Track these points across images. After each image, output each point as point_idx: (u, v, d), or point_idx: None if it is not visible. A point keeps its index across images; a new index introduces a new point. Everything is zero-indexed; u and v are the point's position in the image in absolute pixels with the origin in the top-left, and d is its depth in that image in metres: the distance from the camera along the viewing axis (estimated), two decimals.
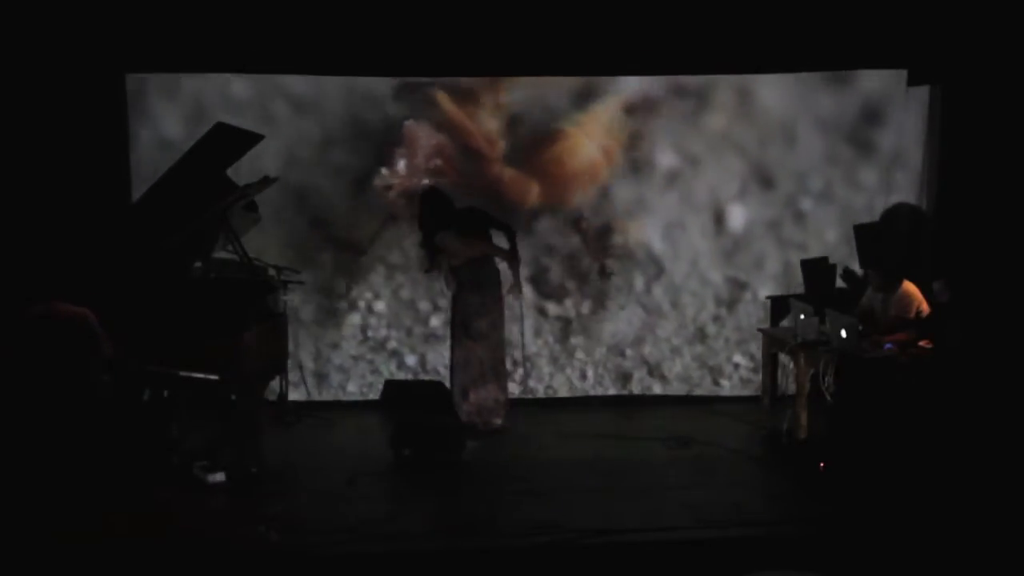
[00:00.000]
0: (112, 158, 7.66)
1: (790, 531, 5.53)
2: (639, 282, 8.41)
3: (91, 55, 7.37)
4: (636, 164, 8.26)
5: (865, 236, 8.12)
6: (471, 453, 6.84)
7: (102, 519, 5.57)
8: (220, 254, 7.08)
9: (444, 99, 8.06)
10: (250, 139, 6.73)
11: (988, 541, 5.26)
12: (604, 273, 8.33)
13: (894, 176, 8.31)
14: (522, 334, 7.72)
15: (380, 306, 8.25)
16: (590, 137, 8.19)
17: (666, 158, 8.29)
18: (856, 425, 6.41)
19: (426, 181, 7.96)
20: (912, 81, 8.15)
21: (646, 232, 8.34)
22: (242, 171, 7.05)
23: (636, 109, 8.17)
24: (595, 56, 7.77)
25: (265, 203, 7.59)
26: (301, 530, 5.46)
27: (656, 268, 8.40)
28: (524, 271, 7.70)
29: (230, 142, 6.60)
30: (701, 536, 5.42)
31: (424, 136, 8.08)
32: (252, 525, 5.54)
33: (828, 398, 6.68)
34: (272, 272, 7.67)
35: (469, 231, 7.28)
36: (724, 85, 8.19)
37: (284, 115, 7.95)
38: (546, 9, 7.54)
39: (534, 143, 8.17)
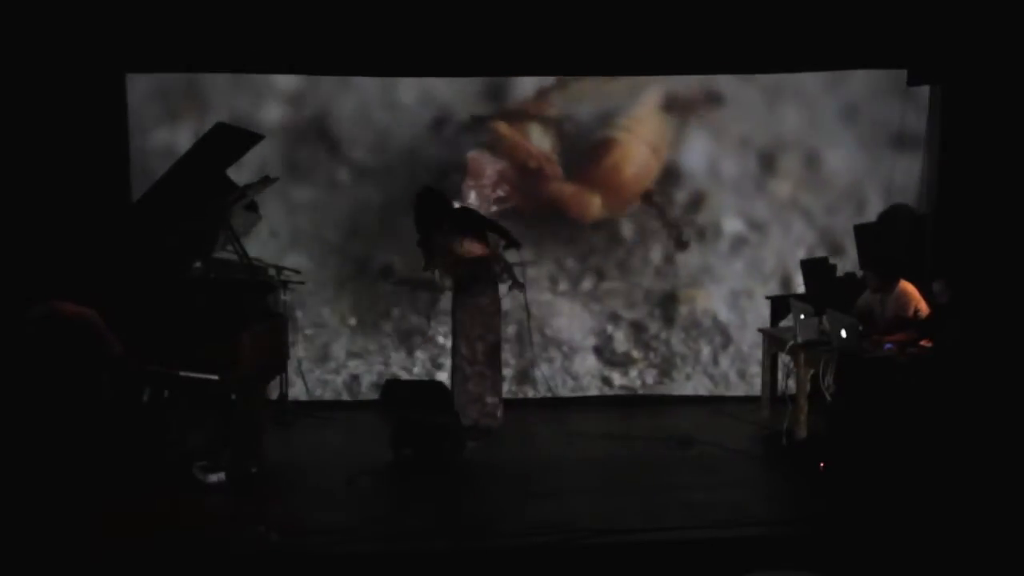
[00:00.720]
0: (112, 158, 7.65)
1: (790, 531, 5.52)
2: (705, 351, 8.44)
3: (91, 55, 7.36)
4: (701, 232, 8.33)
5: (865, 236, 8.13)
6: (471, 453, 6.84)
7: (102, 519, 5.57)
8: (220, 254, 7.08)
9: (502, 125, 8.13)
10: (250, 139, 6.72)
11: (988, 541, 5.26)
12: (681, 243, 8.32)
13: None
14: (528, 330, 7.73)
15: None
16: (639, 140, 8.23)
17: (731, 224, 8.37)
18: (856, 425, 6.41)
19: (494, 208, 8.07)
20: (912, 81, 8.15)
21: (712, 300, 8.38)
22: None
23: (673, 107, 8.24)
24: (600, 56, 7.77)
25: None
26: (301, 530, 5.46)
27: (723, 337, 8.42)
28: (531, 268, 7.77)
29: (230, 142, 6.60)
30: (701, 536, 5.41)
31: (487, 164, 8.15)
32: (252, 525, 5.54)
33: (828, 398, 6.68)
34: (272, 272, 7.67)
35: (465, 231, 7.29)
36: (791, 150, 8.28)
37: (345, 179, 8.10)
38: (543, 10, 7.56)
39: (588, 155, 8.24)
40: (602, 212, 8.31)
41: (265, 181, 6.99)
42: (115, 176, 7.67)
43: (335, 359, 8.29)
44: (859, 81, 8.26)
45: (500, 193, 8.21)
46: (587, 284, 8.41)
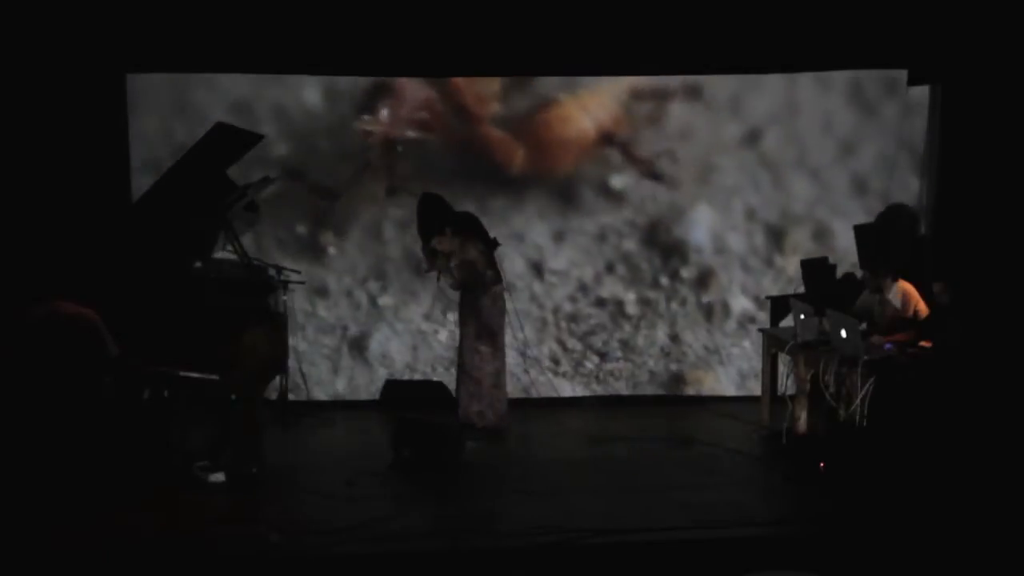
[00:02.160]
0: (112, 158, 7.65)
1: (790, 531, 5.53)
2: None
3: (91, 55, 7.36)
4: (710, 310, 8.34)
5: (865, 236, 8.13)
6: (471, 453, 6.85)
7: (102, 519, 5.57)
8: (220, 254, 7.08)
9: None
10: (250, 139, 6.73)
11: (988, 541, 5.26)
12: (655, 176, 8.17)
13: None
14: (521, 328, 7.73)
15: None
16: (585, 110, 8.14)
17: (739, 303, 8.41)
18: (858, 424, 6.41)
19: (409, 133, 7.94)
20: (912, 81, 8.15)
21: (720, 383, 8.41)
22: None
23: (643, 97, 8.14)
24: (594, 53, 7.76)
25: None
26: (301, 530, 5.46)
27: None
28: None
29: (230, 142, 6.60)
30: (701, 536, 5.42)
31: (412, 89, 8.03)
32: (252, 525, 5.54)
33: (828, 398, 6.68)
34: (272, 272, 7.67)
35: (467, 234, 7.33)
36: (801, 226, 8.30)
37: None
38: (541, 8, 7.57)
39: (527, 108, 8.13)
40: (524, 166, 8.18)
41: (265, 181, 6.99)
42: (115, 176, 7.67)
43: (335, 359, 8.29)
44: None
45: (421, 116, 8.04)
46: (589, 365, 8.41)
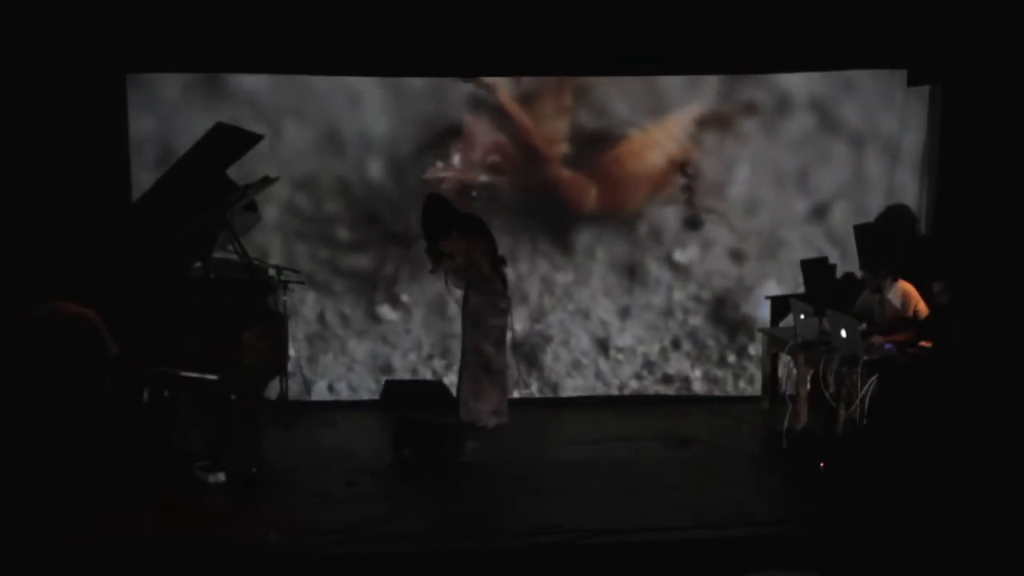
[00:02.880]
0: (112, 158, 7.65)
1: (790, 531, 5.53)
2: None
3: (91, 55, 7.36)
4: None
5: (865, 237, 8.13)
6: (471, 453, 6.85)
7: (102, 519, 5.57)
8: (220, 254, 7.08)
9: (505, 98, 8.06)
10: (250, 139, 6.72)
11: (988, 541, 5.26)
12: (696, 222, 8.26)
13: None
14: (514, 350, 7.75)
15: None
16: (653, 141, 8.17)
17: None
18: (858, 424, 6.41)
19: (483, 177, 7.97)
20: (912, 81, 8.15)
21: None
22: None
23: (708, 121, 8.17)
24: (598, 55, 7.77)
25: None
26: (301, 530, 5.46)
27: None
28: None
29: (230, 142, 6.60)
30: (701, 536, 5.42)
31: (482, 132, 8.06)
32: (252, 525, 5.54)
33: (828, 398, 6.68)
34: (272, 272, 7.68)
35: (472, 236, 7.34)
36: None
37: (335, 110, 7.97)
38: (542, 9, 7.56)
39: (596, 146, 8.17)
40: (597, 205, 8.22)
41: (265, 181, 6.99)
42: (115, 176, 7.67)
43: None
44: None
45: (493, 159, 8.08)
46: None
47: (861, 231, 8.18)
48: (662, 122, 8.17)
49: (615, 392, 8.41)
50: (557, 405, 8.27)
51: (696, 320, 8.39)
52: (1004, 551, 5.17)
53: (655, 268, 8.31)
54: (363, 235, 8.10)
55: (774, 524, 5.63)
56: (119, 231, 6.75)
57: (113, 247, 6.52)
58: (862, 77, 8.20)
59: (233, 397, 6.22)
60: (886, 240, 8.04)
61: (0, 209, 7.24)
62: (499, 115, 8.06)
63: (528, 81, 8.05)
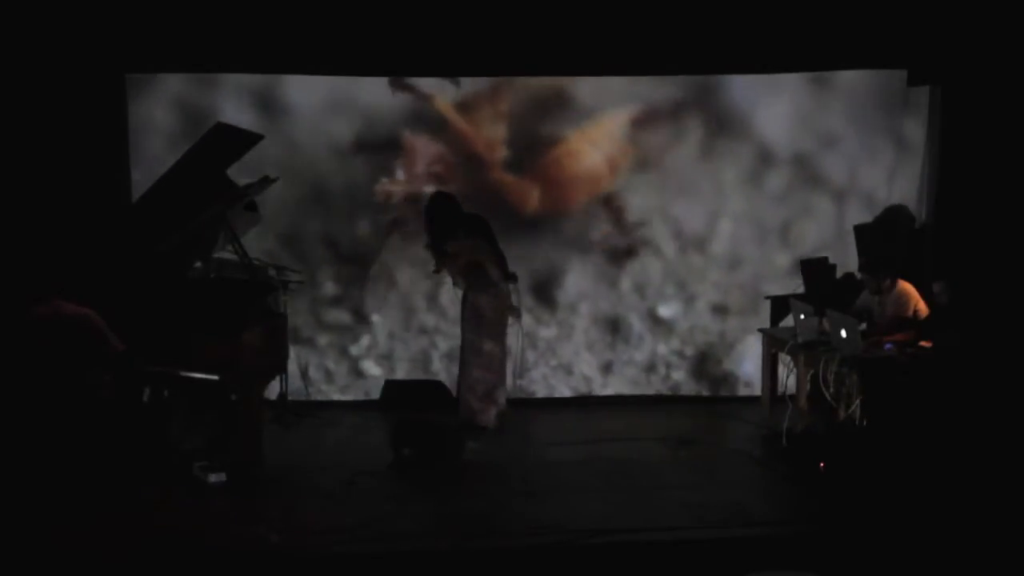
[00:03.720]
0: (112, 158, 7.65)
1: (790, 531, 5.53)
2: None
3: (91, 55, 7.36)
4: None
5: (864, 237, 8.13)
6: (471, 453, 6.85)
7: (102, 519, 5.57)
8: (220, 254, 7.08)
9: (445, 107, 8.05)
10: (250, 139, 6.73)
11: (988, 541, 5.26)
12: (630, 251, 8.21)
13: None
14: (522, 349, 7.71)
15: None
16: (593, 144, 8.15)
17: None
18: (857, 424, 6.41)
19: (428, 188, 7.94)
20: (912, 81, 8.15)
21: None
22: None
23: (643, 122, 8.15)
24: (592, 55, 7.76)
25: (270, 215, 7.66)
26: (301, 530, 5.46)
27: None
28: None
29: (230, 142, 6.60)
30: (701, 536, 5.42)
31: (422, 144, 8.06)
32: (252, 525, 5.54)
33: (828, 398, 6.68)
34: (272, 272, 7.68)
35: (477, 237, 7.34)
36: None
37: (280, 125, 7.91)
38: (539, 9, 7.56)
39: (535, 149, 8.15)
40: (540, 206, 8.20)
41: (265, 181, 6.99)
42: (115, 176, 7.67)
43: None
44: None
45: (435, 170, 8.07)
46: None
47: (860, 232, 8.18)
48: (598, 122, 8.14)
49: (615, 392, 8.41)
50: (557, 405, 8.27)
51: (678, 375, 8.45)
52: (1004, 551, 5.17)
53: (637, 324, 8.38)
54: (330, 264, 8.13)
55: (774, 524, 5.63)
56: (119, 231, 6.75)
57: (113, 247, 6.52)
58: (848, 133, 8.21)
59: (233, 397, 6.22)
60: (885, 241, 8.04)
61: (1, 209, 7.24)
62: (438, 125, 8.05)
63: (465, 88, 8.02)
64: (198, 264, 6.87)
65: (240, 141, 6.67)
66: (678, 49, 7.76)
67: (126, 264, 6.35)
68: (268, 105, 7.92)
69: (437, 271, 7.62)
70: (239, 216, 6.97)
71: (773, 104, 8.14)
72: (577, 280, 8.31)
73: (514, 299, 7.53)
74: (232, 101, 7.84)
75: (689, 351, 8.41)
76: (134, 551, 5.20)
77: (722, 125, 8.15)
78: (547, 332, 8.35)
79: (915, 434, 6.23)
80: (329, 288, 8.18)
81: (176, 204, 6.32)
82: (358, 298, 8.19)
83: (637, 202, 8.22)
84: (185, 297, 6.39)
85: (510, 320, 7.53)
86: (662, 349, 8.40)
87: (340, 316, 8.22)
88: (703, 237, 8.30)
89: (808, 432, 6.96)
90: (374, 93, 7.97)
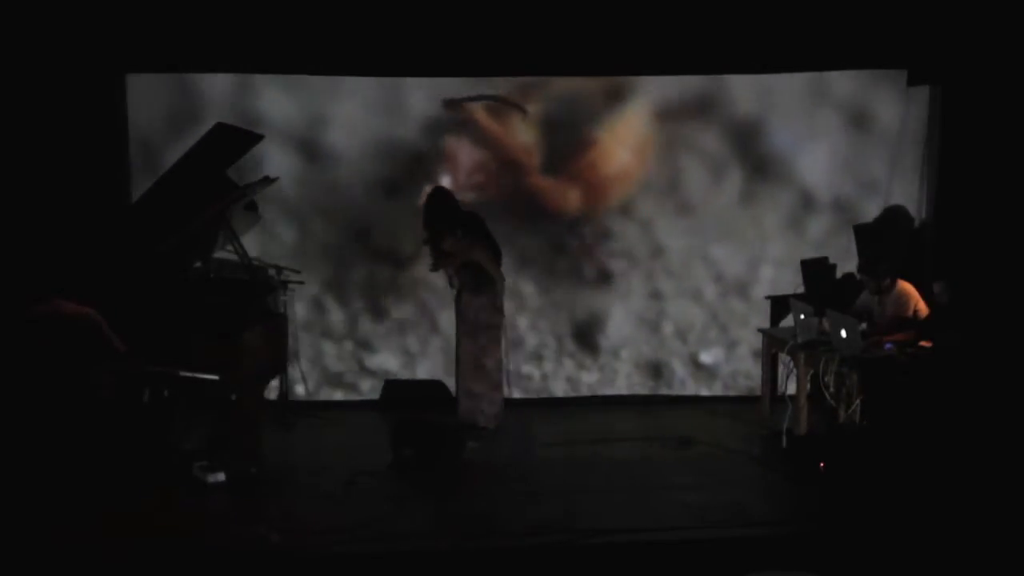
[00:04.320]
0: (112, 158, 7.65)
1: (790, 531, 5.53)
2: None
3: (91, 55, 7.36)
4: None
5: (864, 237, 8.13)
6: (471, 453, 6.85)
7: (102, 519, 5.57)
8: (220, 254, 7.08)
9: (482, 115, 8.06)
10: (250, 139, 6.73)
11: (988, 541, 5.26)
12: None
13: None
14: (506, 353, 7.72)
15: None
16: (620, 142, 8.16)
17: None
18: (857, 424, 6.41)
19: (469, 197, 7.93)
20: (912, 81, 8.15)
21: None
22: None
23: (685, 169, 8.19)
24: (594, 56, 7.76)
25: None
26: (301, 530, 5.46)
27: None
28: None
29: (230, 142, 6.60)
30: (701, 536, 5.42)
31: (465, 152, 8.07)
32: (252, 525, 5.54)
33: (828, 398, 6.68)
34: (272, 272, 7.67)
35: (475, 236, 7.33)
36: None
37: (321, 139, 7.96)
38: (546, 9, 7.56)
39: (568, 151, 8.16)
40: (580, 208, 8.21)
41: (265, 181, 6.99)
42: (115, 176, 7.67)
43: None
44: None
45: (477, 179, 8.09)
46: None
47: (860, 232, 8.17)
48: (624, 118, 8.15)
49: (615, 392, 8.41)
50: (557, 405, 8.26)
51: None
52: (1004, 551, 5.17)
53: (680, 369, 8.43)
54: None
55: (774, 524, 5.64)
56: (119, 231, 6.75)
57: (113, 247, 6.52)
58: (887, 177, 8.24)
59: (233, 397, 6.21)
60: (884, 241, 8.04)
61: (1, 209, 7.24)
62: (477, 133, 8.04)
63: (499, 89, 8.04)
64: (198, 264, 6.86)
65: (240, 141, 6.67)
66: (678, 49, 7.76)
67: (126, 264, 6.35)
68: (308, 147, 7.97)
69: (435, 269, 7.59)
70: (239, 216, 6.98)
71: (813, 149, 8.17)
72: (619, 325, 8.35)
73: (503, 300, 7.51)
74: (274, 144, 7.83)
75: (732, 395, 8.43)
76: (134, 551, 5.19)
77: (762, 170, 8.21)
78: (589, 377, 8.41)
79: (915, 434, 6.22)
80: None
81: (176, 204, 6.32)
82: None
83: (678, 245, 8.28)
84: (185, 297, 6.38)
85: (499, 305, 7.46)
86: (704, 393, 8.44)
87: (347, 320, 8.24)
88: (745, 282, 8.32)
89: (808, 432, 6.96)
90: (417, 101, 7.99)
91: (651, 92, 8.11)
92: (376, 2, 7.50)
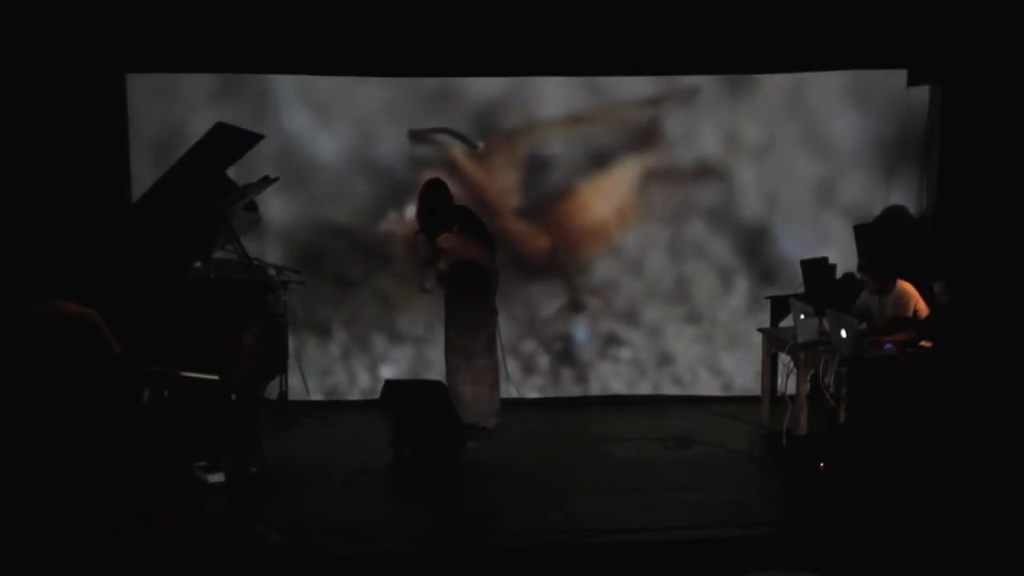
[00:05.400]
0: (112, 158, 7.65)
1: (790, 531, 5.53)
2: None
3: (91, 55, 7.36)
4: None
5: (864, 237, 8.13)
6: (471, 453, 6.84)
7: (102, 519, 5.57)
8: (220, 254, 7.08)
9: (459, 156, 8.05)
10: (250, 139, 6.72)
11: (988, 541, 5.26)
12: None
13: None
14: (500, 347, 7.71)
15: None
16: (603, 196, 8.16)
17: None
18: (857, 425, 6.41)
19: None
20: (912, 81, 8.15)
21: None
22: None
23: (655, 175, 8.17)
24: (590, 55, 7.75)
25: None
26: (301, 530, 5.46)
27: None
28: None
29: (230, 142, 6.59)
30: (701, 536, 5.42)
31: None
32: (252, 525, 5.54)
33: (828, 398, 6.68)
34: (272, 272, 7.67)
35: (470, 231, 7.28)
36: None
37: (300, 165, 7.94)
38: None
39: (548, 199, 8.17)
40: (549, 255, 8.22)
41: (265, 181, 6.99)
42: (115, 176, 7.67)
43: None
44: None
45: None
46: None
47: (861, 232, 8.17)
48: (609, 173, 8.17)
49: (615, 392, 8.41)
50: (557, 405, 8.26)
51: None
52: (1004, 550, 5.17)
53: None
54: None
55: (774, 524, 5.63)
56: (119, 231, 6.75)
57: (113, 247, 6.52)
58: None
59: (233, 397, 6.21)
60: (885, 241, 8.04)
61: (2, 209, 7.24)
62: (451, 170, 7.98)
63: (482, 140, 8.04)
64: (198, 264, 6.86)
65: (240, 141, 6.67)
66: (677, 49, 7.76)
67: (126, 264, 6.35)
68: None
69: (430, 265, 7.52)
70: (239, 216, 6.97)
71: (819, 253, 8.18)
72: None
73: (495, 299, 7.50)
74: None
75: (732, 395, 8.41)
76: (134, 551, 5.19)
77: (769, 276, 8.28)
78: (588, 377, 8.39)
79: (914, 434, 6.23)
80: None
81: (176, 204, 6.32)
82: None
83: (683, 349, 8.31)
84: (185, 297, 6.38)
85: (495, 285, 7.42)
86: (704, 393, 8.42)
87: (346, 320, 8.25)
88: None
89: (808, 432, 6.97)
90: (392, 143, 7.99)
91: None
92: (386, 5, 7.50)
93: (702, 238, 8.26)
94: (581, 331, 8.32)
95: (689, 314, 8.34)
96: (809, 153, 8.17)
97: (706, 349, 8.38)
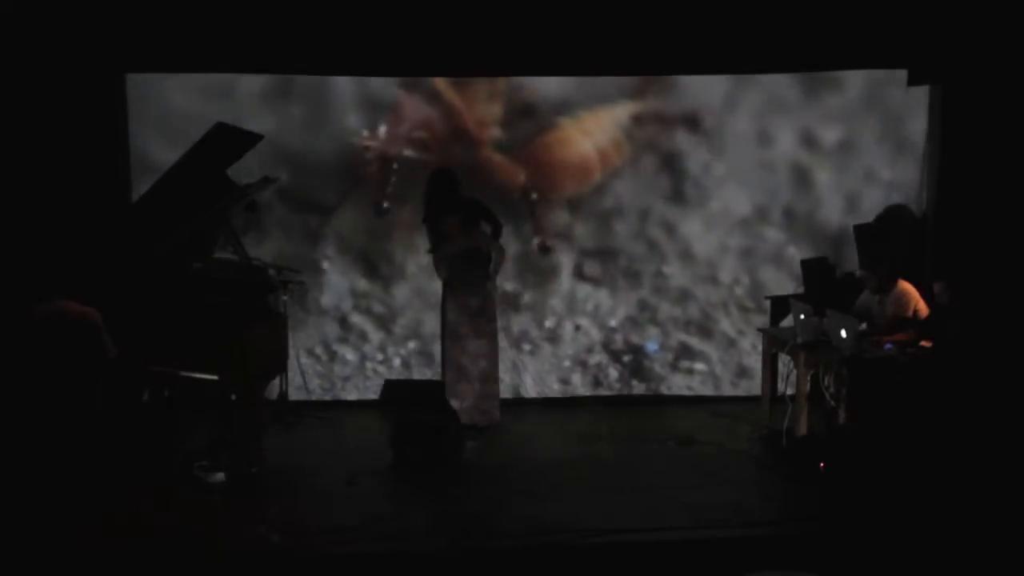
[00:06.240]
0: (112, 158, 7.65)
1: (790, 531, 5.53)
2: None
3: (91, 55, 7.36)
4: None
5: (865, 237, 8.13)
6: (471, 453, 6.84)
7: (102, 519, 5.57)
8: (220, 254, 7.08)
9: (440, 82, 7.99)
10: (250, 139, 6.72)
11: (988, 541, 5.26)
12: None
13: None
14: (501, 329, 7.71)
15: None
16: (585, 133, 8.12)
17: None
18: (857, 425, 6.41)
19: (407, 152, 7.86)
20: (912, 81, 8.15)
21: None
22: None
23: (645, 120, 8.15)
24: (587, 55, 7.74)
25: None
26: (301, 530, 5.46)
27: None
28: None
29: (230, 142, 6.60)
30: (701, 536, 5.42)
31: (412, 107, 7.98)
32: (252, 525, 5.54)
33: (828, 398, 6.68)
34: (272, 272, 7.67)
35: (474, 222, 7.28)
36: None
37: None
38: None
39: (527, 132, 8.10)
40: (525, 188, 8.14)
41: (265, 181, 6.99)
42: (115, 176, 7.67)
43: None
44: None
45: (418, 135, 7.98)
46: None
47: (861, 231, 8.17)
48: (594, 113, 8.14)
49: (615, 392, 8.41)
50: (557, 405, 8.26)
51: None
52: (1004, 551, 5.17)
53: None
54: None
55: (774, 524, 5.63)
56: (119, 231, 6.75)
57: (113, 247, 6.52)
58: None
59: (233, 397, 6.22)
60: (886, 240, 8.04)
61: (2, 209, 7.24)
62: (432, 95, 7.96)
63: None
64: (198, 264, 6.86)
65: (240, 141, 6.67)
66: (677, 49, 7.75)
67: (126, 264, 6.35)
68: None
69: (432, 251, 7.50)
70: (239, 216, 6.97)
71: None
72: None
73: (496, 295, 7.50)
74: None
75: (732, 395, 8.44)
76: (134, 551, 5.19)
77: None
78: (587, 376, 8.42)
79: (914, 434, 6.22)
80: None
81: (176, 204, 6.32)
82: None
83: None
84: (185, 297, 6.38)
85: (496, 276, 7.46)
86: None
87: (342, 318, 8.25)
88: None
89: (808, 432, 6.96)
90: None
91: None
92: (386, 5, 7.50)
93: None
94: (652, 343, 8.39)
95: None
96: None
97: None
